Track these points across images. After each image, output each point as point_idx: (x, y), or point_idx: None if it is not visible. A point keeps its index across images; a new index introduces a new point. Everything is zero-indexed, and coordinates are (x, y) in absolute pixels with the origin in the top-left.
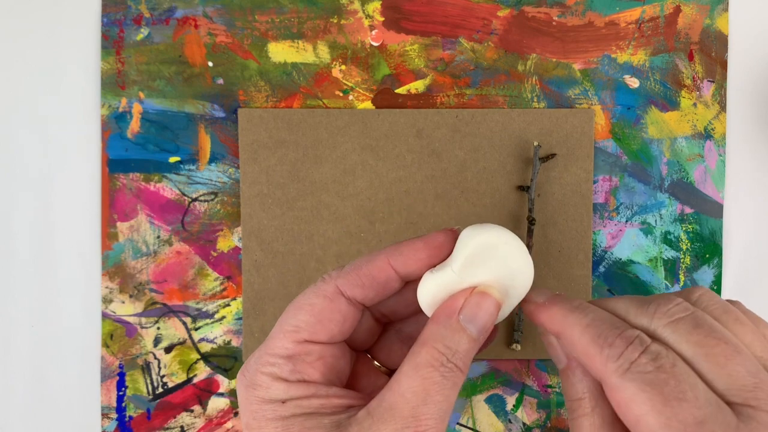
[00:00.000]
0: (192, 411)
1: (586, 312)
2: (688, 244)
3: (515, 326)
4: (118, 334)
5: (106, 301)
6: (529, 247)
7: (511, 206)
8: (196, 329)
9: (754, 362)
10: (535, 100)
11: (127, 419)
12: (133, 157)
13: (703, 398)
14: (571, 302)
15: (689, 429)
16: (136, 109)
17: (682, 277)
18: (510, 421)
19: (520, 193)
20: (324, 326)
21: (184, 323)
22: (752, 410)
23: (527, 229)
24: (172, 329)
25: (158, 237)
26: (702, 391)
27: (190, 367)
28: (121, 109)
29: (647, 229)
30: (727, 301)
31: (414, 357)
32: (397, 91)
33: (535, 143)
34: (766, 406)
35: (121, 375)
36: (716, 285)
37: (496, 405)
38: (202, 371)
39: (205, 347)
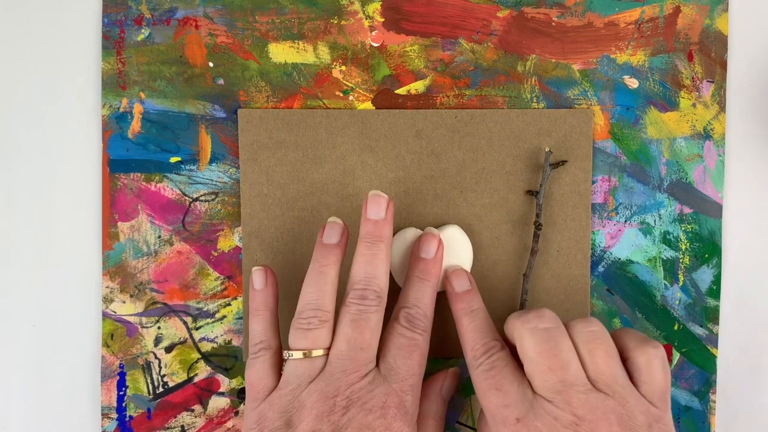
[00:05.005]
0: (192, 410)
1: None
2: (687, 244)
3: None
4: (118, 333)
5: (107, 300)
6: (533, 252)
7: (510, 206)
8: (197, 329)
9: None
10: (534, 100)
11: (127, 419)
12: (134, 157)
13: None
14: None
15: (508, 411)
16: (137, 109)
17: (681, 277)
18: None
19: (519, 193)
20: None
21: (185, 323)
22: (548, 402)
23: (533, 233)
24: (173, 329)
25: (159, 237)
26: (517, 386)
27: (190, 367)
28: (121, 110)
29: (646, 229)
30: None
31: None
32: (397, 91)
33: (547, 149)
34: (564, 404)
35: (122, 375)
36: (715, 285)
37: None
38: (203, 371)
39: (206, 347)
